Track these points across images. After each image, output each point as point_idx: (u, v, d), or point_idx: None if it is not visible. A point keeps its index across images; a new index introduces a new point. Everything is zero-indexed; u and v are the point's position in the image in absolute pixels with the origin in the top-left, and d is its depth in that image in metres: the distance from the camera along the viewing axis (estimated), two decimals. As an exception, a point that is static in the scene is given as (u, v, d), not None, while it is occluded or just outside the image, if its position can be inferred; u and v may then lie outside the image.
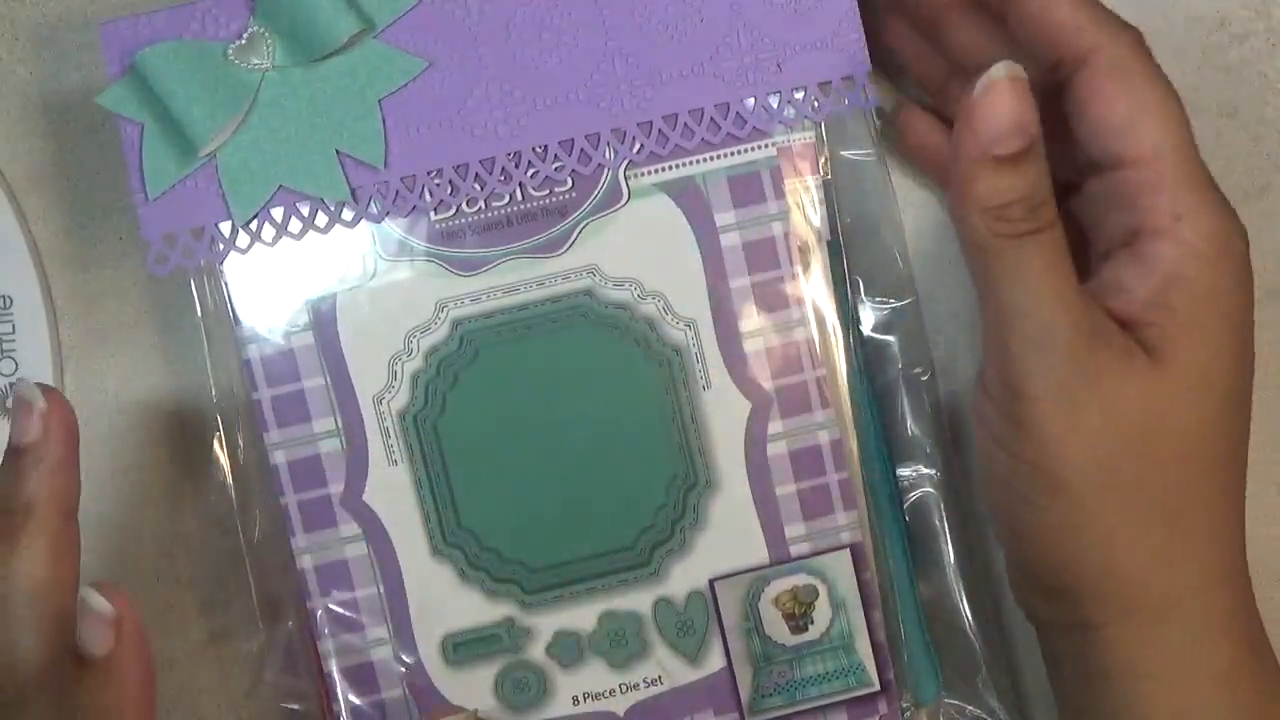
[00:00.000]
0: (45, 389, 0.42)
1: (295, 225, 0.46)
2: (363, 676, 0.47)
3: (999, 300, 0.40)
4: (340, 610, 0.47)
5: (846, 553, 0.47)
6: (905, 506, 0.49)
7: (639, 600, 0.47)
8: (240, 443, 0.48)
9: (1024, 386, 0.40)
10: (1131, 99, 0.41)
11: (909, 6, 0.46)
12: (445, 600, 0.47)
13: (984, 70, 0.39)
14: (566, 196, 0.47)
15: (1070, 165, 0.43)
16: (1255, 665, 0.43)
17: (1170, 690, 0.42)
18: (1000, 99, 0.39)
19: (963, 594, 0.49)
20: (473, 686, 0.47)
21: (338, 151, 0.45)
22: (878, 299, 0.49)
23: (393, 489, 0.47)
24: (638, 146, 0.46)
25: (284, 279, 0.47)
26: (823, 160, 0.47)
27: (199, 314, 0.48)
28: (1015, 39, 0.43)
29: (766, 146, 0.47)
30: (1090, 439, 0.40)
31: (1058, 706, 0.46)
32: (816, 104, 0.46)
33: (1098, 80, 0.41)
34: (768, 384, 0.47)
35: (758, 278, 0.47)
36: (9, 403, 0.50)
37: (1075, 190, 0.44)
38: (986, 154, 0.39)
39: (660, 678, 0.48)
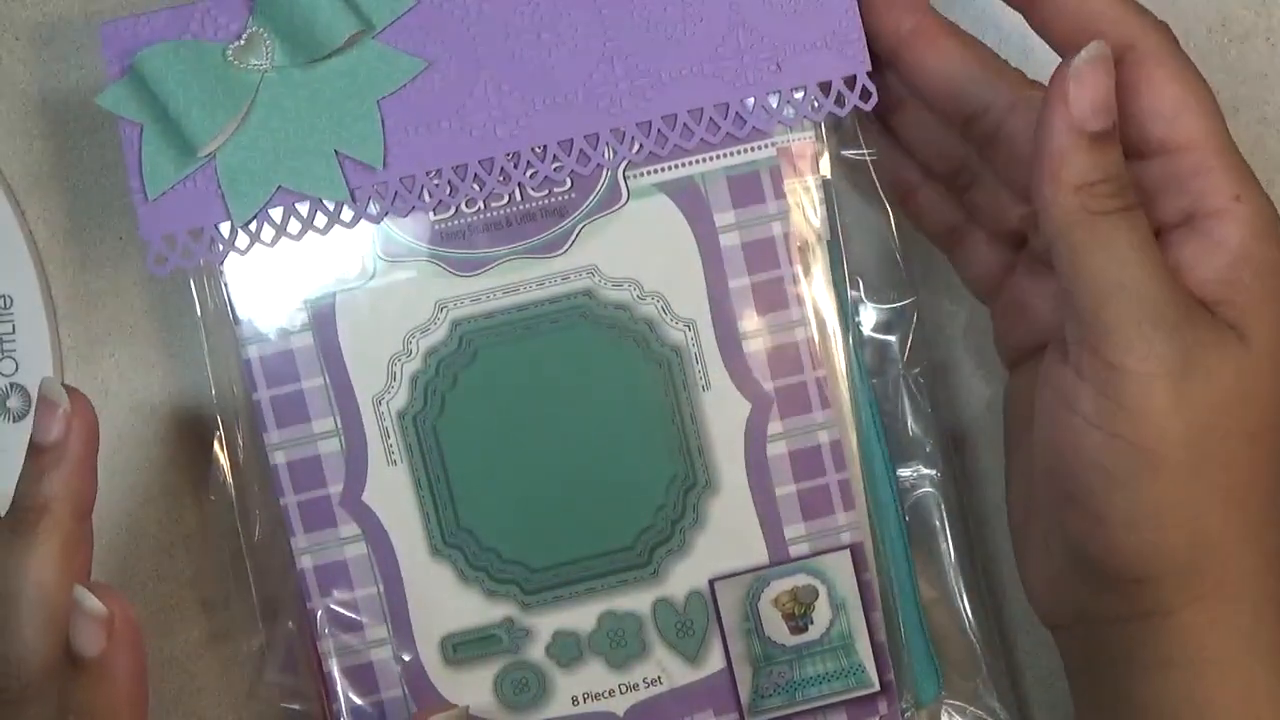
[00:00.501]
0: (69, 389, 0.42)
1: (294, 226, 0.46)
2: (363, 676, 0.47)
3: (1093, 277, 0.40)
4: (340, 610, 0.47)
5: (846, 553, 0.47)
6: (905, 506, 0.49)
7: (639, 600, 0.47)
8: (240, 443, 0.48)
9: (1125, 361, 0.40)
10: (1179, 86, 0.42)
11: (869, 26, 0.46)
12: (445, 600, 0.47)
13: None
14: (566, 197, 0.47)
15: None
16: None
17: (1230, 676, 0.42)
18: (1093, 78, 0.40)
19: (963, 594, 0.49)
20: (472, 686, 0.47)
21: (336, 152, 0.45)
22: (878, 299, 0.49)
23: (392, 489, 0.47)
24: (637, 146, 0.46)
25: (283, 279, 0.47)
26: (823, 160, 0.47)
27: (199, 314, 0.48)
28: (1047, 35, 0.44)
29: (766, 146, 0.47)
30: (1191, 413, 0.40)
31: (1079, 710, 0.46)
32: (816, 104, 0.46)
33: (1144, 70, 0.42)
34: (768, 384, 0.47)
35: (757, 278, 0.47)
36: (9, 402, 0.51)
37: None
38: (1079, 131, 0.40)
39: (660, 678, 0.48)
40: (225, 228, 0.46)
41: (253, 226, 0.46)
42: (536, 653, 0.47)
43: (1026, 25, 0.45)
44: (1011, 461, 0.47)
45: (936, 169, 0.48)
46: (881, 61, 0.46)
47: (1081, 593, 0.44)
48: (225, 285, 0.47)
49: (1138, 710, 0.43)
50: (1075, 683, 0.46)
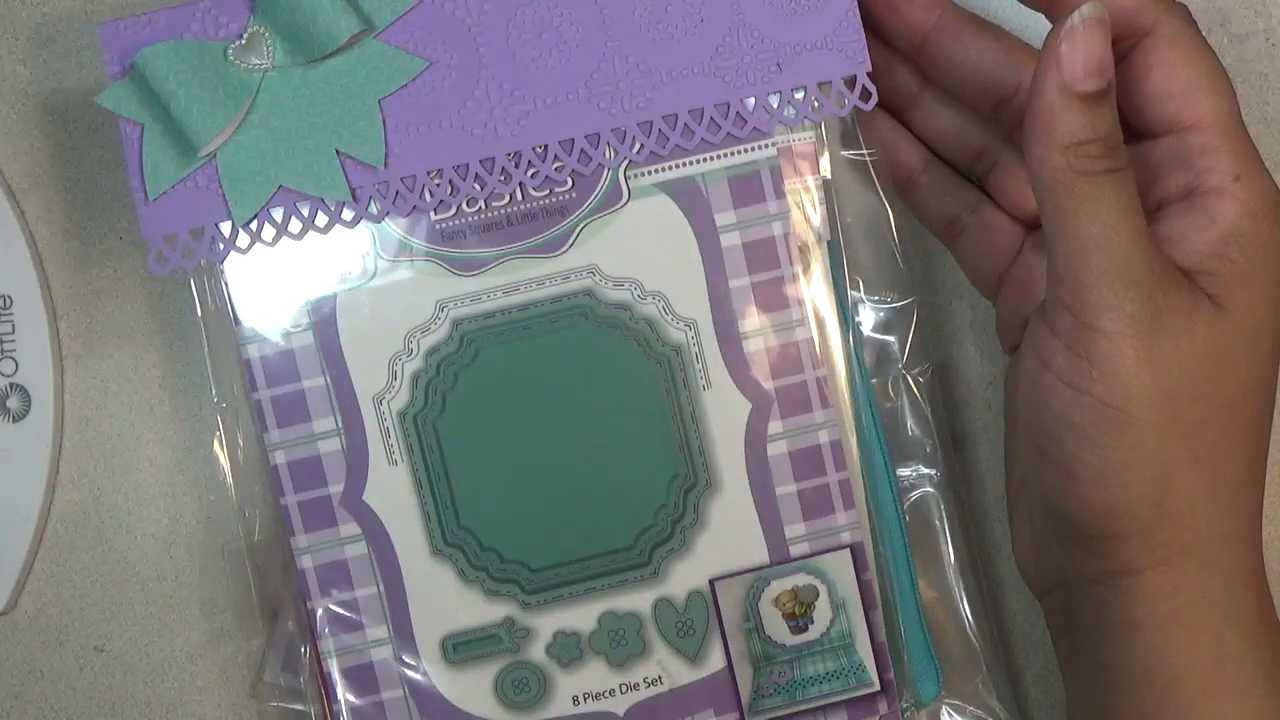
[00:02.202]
0: None
1: (295, 225, 0.46)
2: (363, 676, 0.47)
3: (1074, 235, 0.41)
4: (340, 610, 0.47)
5: (846, 553, 0.47)
6: (905, 506, 0.49)
7: (639, 600, 0.47)
8: (240, 443, 0.48)
9: (1097, 320, 0.41)
10: (1190, 68, 0.43)
11: (890, 29, 0.47)
12: (445, 600, 0.47)
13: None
14: (566, 196, 0.47)
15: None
16: (1273, 619, 0.44)
17: (1199, 641, 0.43)
18: (1086, 39, 0.40)
19: (963, 594, 0.49)
20: (472, 686, 0.47)
21: (338, 151, 0.45)
22: (878, 299, 0.49)
23: (393, 489, 0.47)
24: (638, 146, 0.46)
25: (284, 279, 0.47)
26: (823, 160, 0.47)
27: (199, 314, 0.48)
28: None
29: (766, 146, 0.47)
30: (1159, 375, 0.41)
31: (1065, 679, 0.47)
32: (816, 104, 0.46)
33: (1160, 52, 0.43)
34: (768, 384, 0.47)
35: (758, 278, 0.47)
36: (9, 402, 0.51)
37: None
38: (1070, 91, 0.40)
39: (660, 678, 0.48)
40: (226, 227, 0.46)
41: (254, 226, 0.46)
42: (537, 652, 0.47)
43: (1028, 23, 0.45)
44: (1008, 436, 0.47)
45: (954, 157, 0.49)
46: (904, 58, 0.47)
47: (1059, 554, 0.45)
48: (225, 285, 0.47)
49: (1113, 673, 0.44)
50: (1059, 649, 0.47)
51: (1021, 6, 0.44)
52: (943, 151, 0.49)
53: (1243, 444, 0.43)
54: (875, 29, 0.47)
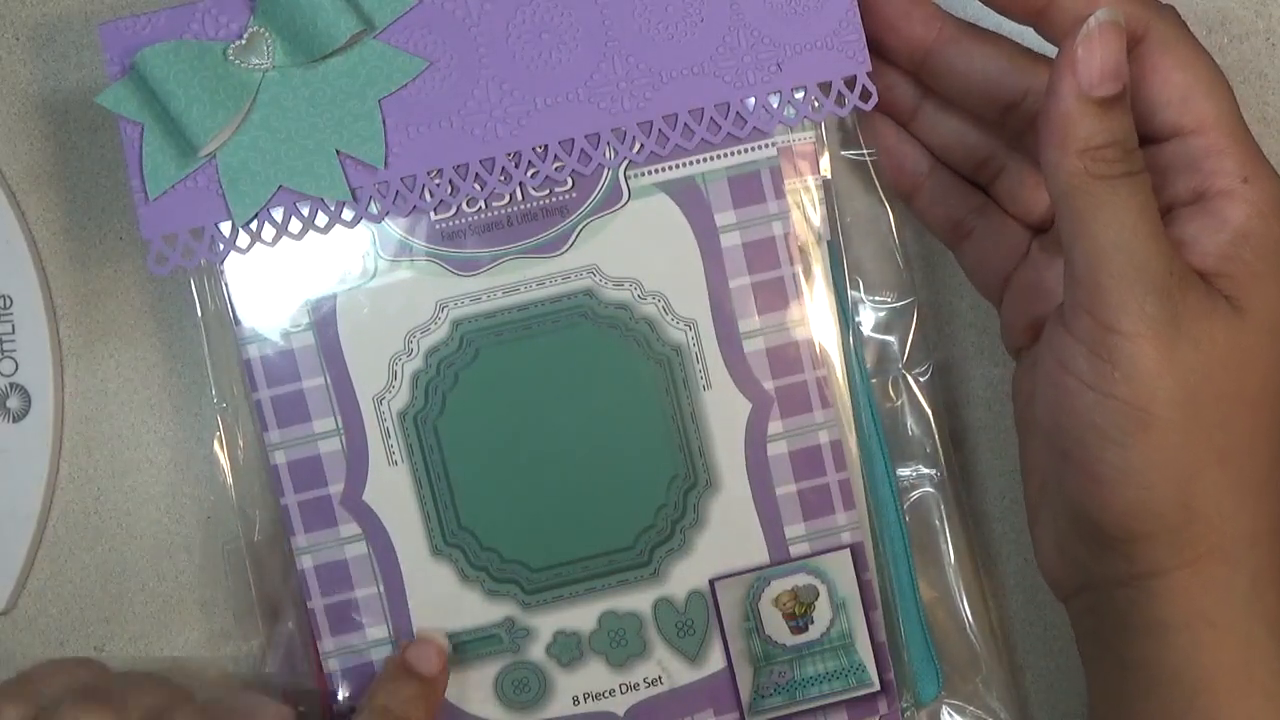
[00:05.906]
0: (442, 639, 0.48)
1: (295, 225, 0.46)
2: (363, 676, 0.47)
3: (1093, 239, 0.41)
4: (340, 610, 0.47)
5: (846, 553, 0.47)
6: (905, 506, 0.49)
7: (639, 600, 0.47)
8: (240, 443, 0.48)
9: (1118, 322, 0.41)
10: (1186, 72, 0.43)
11: (891, 47, 0.47)
12: (445, 600, 0.47)
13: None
14: (566, 196, 0.47)
15: None
16: None
17: (1228, 640, 0.43)
18: (1102, 43, 0.41)
19: (963, 594, 0.49)
20: (473, 686, 0.47)
21: (338, 151, 0.45)
22: (878, 299, 0.49)
23: (393, 489, 0.47)
24: (638, 146, 0.46)
25: (284, 279, 0.47)
26: (823, 160, 0.47)
27: (199, 314, 0.48)
28: (1059, 32, 0.44)
29: (767, 146, 0.47)
30: (1182, 375, 0.41)
31: (1089, 679, 0.46)
32: (817, 104, 0.46)
33: (1154, 58, 0.43)
34: (768, 384, 0.47)
35: (758, 278, 0.47)
36: (9, 402, 0.51)
37: None
38: (1087, 96, 0.41)
39: (660, 678, 0.48)
40: (226, 227, 0.46)
41: (254, 226, 0.46)
42: (537, 652, 0.47)
43: (1023, 29, 0.45)
44: (1023, 441, 0.47)
45: (957, 165, 0.49)
46: (905, 73, 0.47)
47: (1084, 556, 0.44)
48: (225, 285, 0.47)
49: (1140, 673, 0.44)
50: (1084, 651, 0.47)
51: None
52: (945, 160, 0.49)
53: (1267, 443, 0.43)
54: (876, 48, 0.47)
